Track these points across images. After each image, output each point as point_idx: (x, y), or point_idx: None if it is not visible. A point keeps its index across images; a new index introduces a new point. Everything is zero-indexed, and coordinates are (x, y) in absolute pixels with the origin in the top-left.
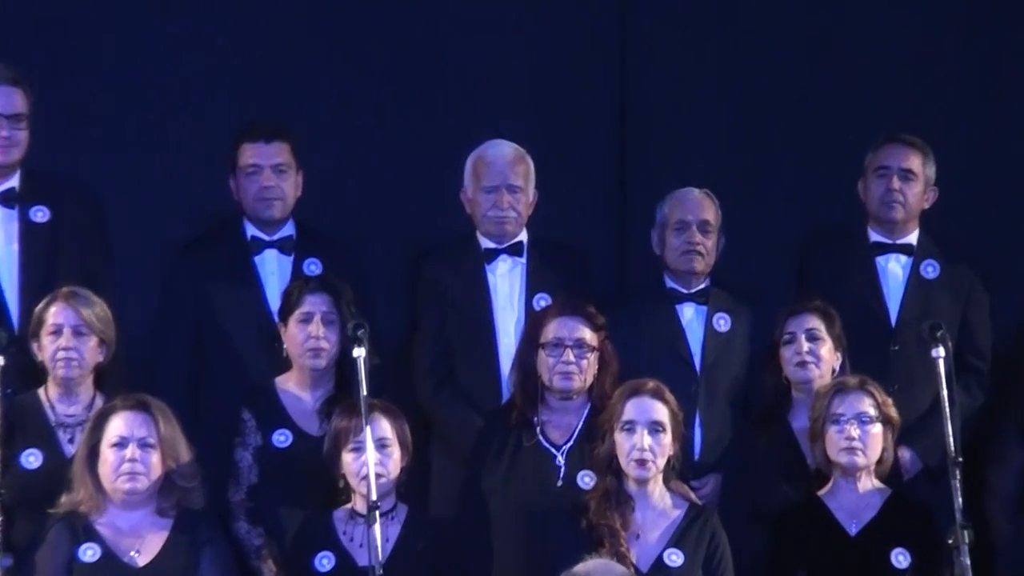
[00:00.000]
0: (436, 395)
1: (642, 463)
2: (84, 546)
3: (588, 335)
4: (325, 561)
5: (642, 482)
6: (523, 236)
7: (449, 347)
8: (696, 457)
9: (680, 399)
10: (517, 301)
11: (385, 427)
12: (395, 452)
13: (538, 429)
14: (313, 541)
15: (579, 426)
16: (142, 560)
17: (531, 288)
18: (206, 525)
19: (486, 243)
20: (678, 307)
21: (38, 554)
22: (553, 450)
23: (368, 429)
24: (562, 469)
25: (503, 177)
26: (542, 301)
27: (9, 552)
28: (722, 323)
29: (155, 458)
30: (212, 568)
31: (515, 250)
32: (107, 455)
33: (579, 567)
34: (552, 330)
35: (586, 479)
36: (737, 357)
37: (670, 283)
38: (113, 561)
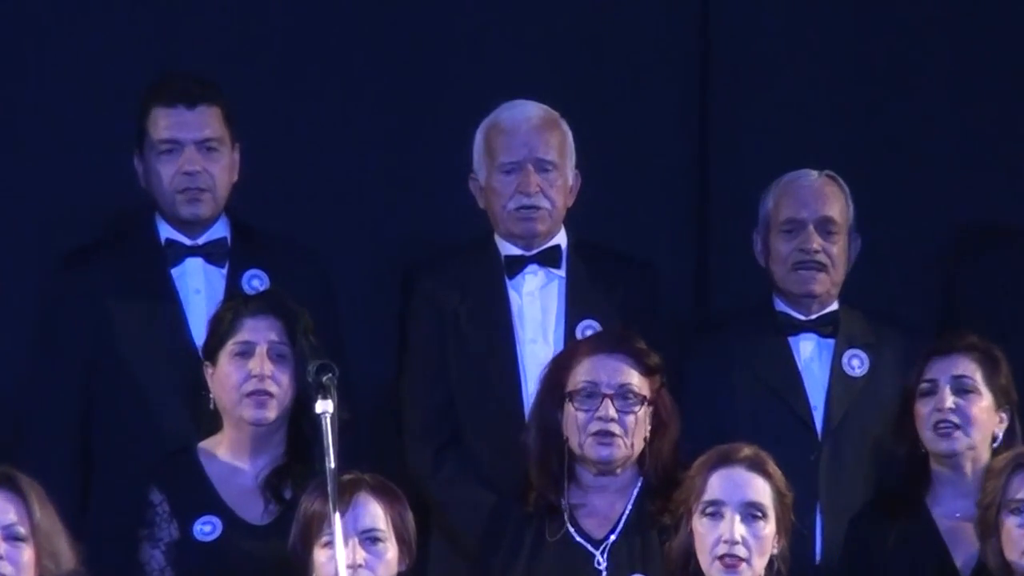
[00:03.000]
0: (436, 469)
1: (732, 562)
2: None
3: (636, 380)
4: None
5: None
6: (561, 238)
7: (453, 398)
8: (817, 559)
9: (792, 474)
10: (553, 330)
11: (375, 514)
12: (389, 550)
13: (566, 517)
14: None
15: (627, 512)
16: None
17: (573, 312)
18: None
19: (508, 248)
20: (792, 340)
21: None
22: (590, 547)
23: (336, 517)
24: (604, 574)
25: (528, 149)
26: (589, 331)
27: None
28: (856, 364)
29: (26, 556)
30: None
31: (549, 258)
32: None
33: None
34: (583, 373)
35: None
36: (879, 414)
37: (781, 306)
38: None
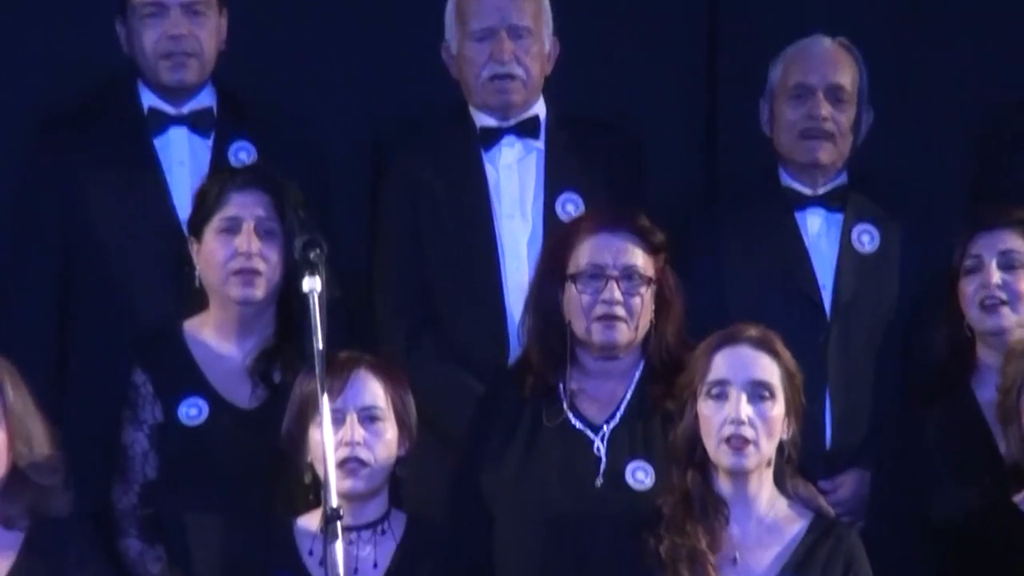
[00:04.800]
0: (410, 348)
1: (739, 444)
2: None
3: (641, 260)
4: None
5: (740, 475)
6: (539, 108)
7: (428, 277)
8: (827, 444)
9: (800, 356)
10: (531, 205)
11: (374, 392)
12: (388, 430)
13: (566, 402)
14: (263, 564)
15: (627, 397)
16: None
17: (552, 185)
18: (75, 543)
19: (483, 119)
20: (799, 215)
21: None
22: (590, 433)
23: (324, 399)
24: (603, 461)
25: (500, 15)
26: (569, 205)
27: None
28: (866, 240)
29: None
30: None
31: (527, 129)
32: None
33: None
34: (586, 253)
35: (639, 474)
36: (889, 291)
37: (787, 180)
38: None
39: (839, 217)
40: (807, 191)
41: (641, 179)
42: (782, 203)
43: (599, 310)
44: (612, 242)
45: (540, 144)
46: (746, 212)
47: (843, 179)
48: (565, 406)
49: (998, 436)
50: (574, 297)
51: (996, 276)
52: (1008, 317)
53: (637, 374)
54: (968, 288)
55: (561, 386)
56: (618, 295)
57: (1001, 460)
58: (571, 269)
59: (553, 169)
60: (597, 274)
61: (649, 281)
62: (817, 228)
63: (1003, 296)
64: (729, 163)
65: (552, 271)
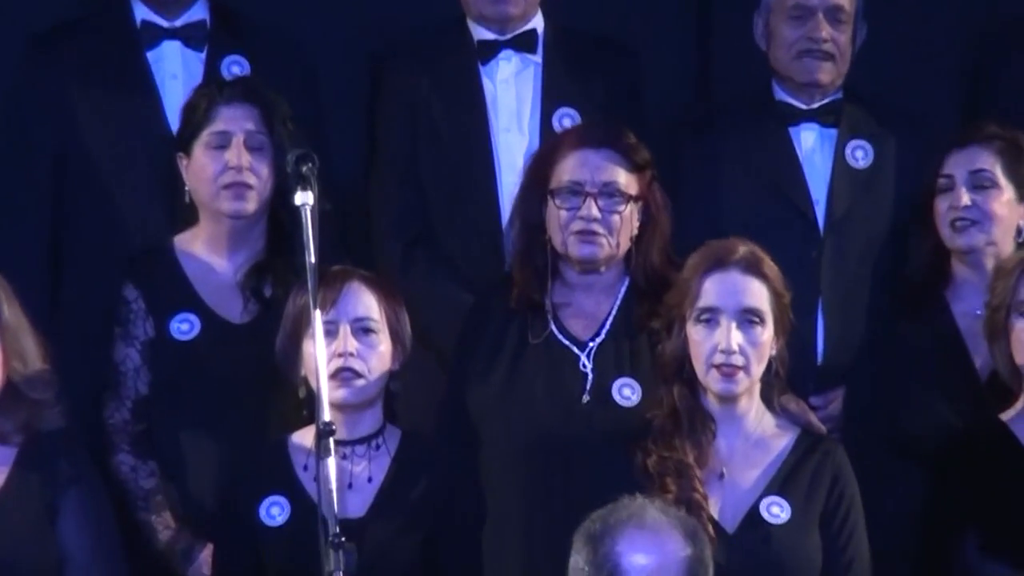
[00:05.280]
0: (406, 266)
1: (729, 371)
2: None
3: (622, 177)
4: (276, 510)
5: (728, 398)
6: (537, 22)
7: (425, 193)
8: (819, 360)
9: (793, 271)
10: (528, 119)
11: (368, 304)
12: (382, 343)
13: (550, 318)
14: (257, 481)
15: (612, 312)
16: None
17: (549, 100)
18: (68, 456)
19: (481, 33)
20: (793, 131)
21: None
22: (575, 349)
23: (317, 314)
24: (589, 377)
25: None
26: (566, 120)
27: None
28: (860, 155)
29: None
30: (77, 520)
31: (524, 43)
32: None
33: (601, 513)
34: (567, 169)
35: (625, 391)
36: (883, 207)
37: (781, 95)
38: None
39: (833, 133)
40: (801, 106)
41: (639, 96)
42: (776, 118)
43: (576, 226)
44: (593, 159)
45: (538, 58)
46: (740, 127)
47: (838, 95)
48: (550, 321)
49: (973, 351)
50: (554, 212)
51: (966, 197)
52: (977, 236)
53: (622, 291)
54: (941, 207)
55: (545, 302)
56: (595, 212)
57: (977, 375)
58: (552, 184)
59: (551, 84)
60: (576, 190)
61: (630, 199)
62: (811, 143)
63: (972, 216)
64: (723, 78)
65: (535, 185)
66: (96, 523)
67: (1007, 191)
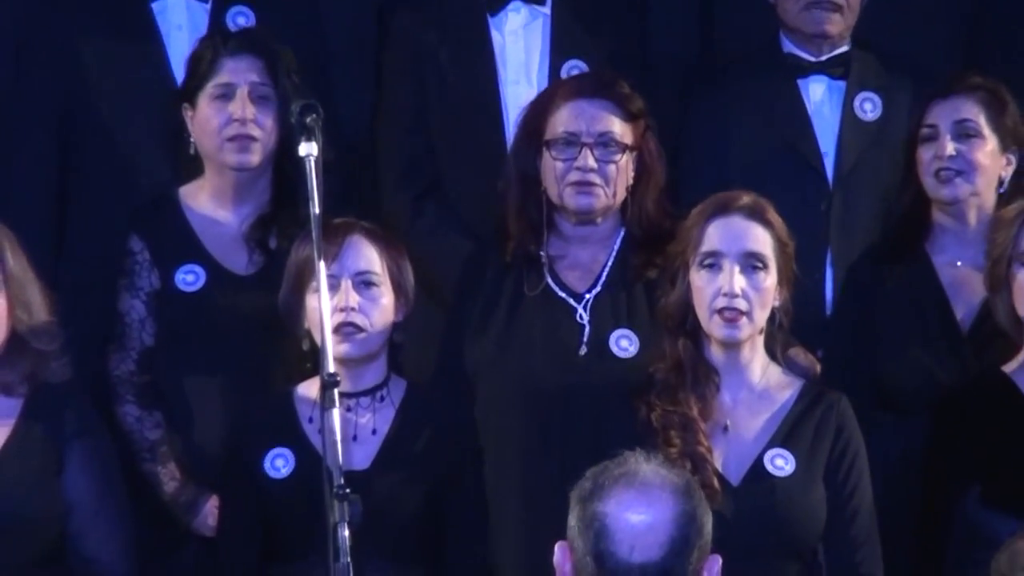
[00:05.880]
0: (414, 217)
1: (732, 316)
2: None
3: (618, 127)
4: (280, 462)
5: (732, 346)
6: None
7: (433, 144)
8: (828, 311)
9: (801, 223)
10: (536, 71)
11: (369, 257)
12: (384, 295)
13: (546, 270)
14: (262, 433)
15: (608, 264)
16: None
17: (558, 52)
18: (74, 408)
19: None
20: (801, 83)
21: None
22: (572, 301)
23: (321, 265)
24: (586, 329)
25: None
26: (575, 72)
27: None
28: (869, 107)
29: None
30: (83, 472)
31: None
32: None
33: (595, 471)
34: (562, 120)
35: (623, 343)
36: (892, 159)
37: (789, 47)
38: None
39: (842, 85)
40: (810, 58)
41: (646, 48)
42: (784, 71)
43: (572, 176)
44: (587, 109)
45: (546, 10)
46: (748, 80)
47: (846, 46)
48: (546, 273)
49: (954, 302)
50: (549, 163)
51: (950, 147)
52: (962, 187)
53: (617, 242)
54: (924, 156)
55: (541, 254)
56: (592, 162)
57: (958, 326)
58: (547, 135)
59: (559, 36)
60: (572, 141)
61: (625, 148)
62: (819, 96)
63: (957, 166)
64: (728, 28)
65: (530, 137)
66: (102, 474)
67: (990, 141)
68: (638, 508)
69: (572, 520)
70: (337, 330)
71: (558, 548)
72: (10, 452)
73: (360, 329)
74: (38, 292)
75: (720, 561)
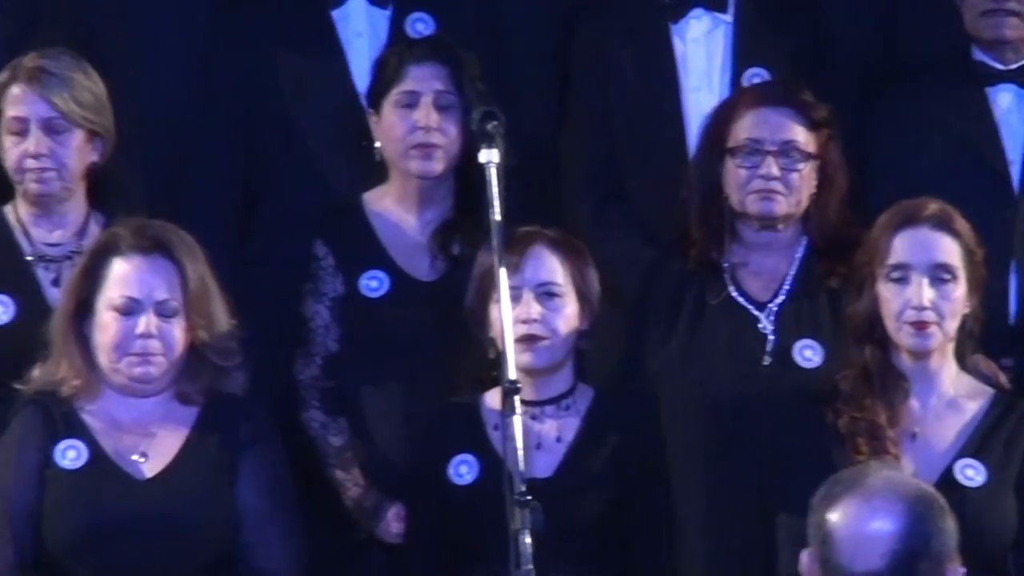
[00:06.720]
0: (596, 222)
1: (921, 327)
2: (64, 444)
3: (801, 136)
4: (464, 469)
5: (921, 355)
6: None
7: (616, 149)
8: (1011, 319)
9: (987, 232)
10: (718, 78)
11: (552, 267)
12: (567, 305)
13: (728, 278)
14: (446, 440)
15: (792, 272)
16: (150, 468)
17: (740, 59)
18: (249, 418)
19: None
20: (990, 92)
21: None
22: (754, 310)
23: (503, 273)
24: (770, 339)
25: None
26: (756, 80)
27: None
28: None
29: (177, 331)
30: (256, 483)
31: (715, 2)
32: (107, 321)
33: (835, 477)
34: (745, 127)
35: (807, 352)
36: None
37: (979, 55)
38: (106, 468)
39: None
40: (999, 67)
41: (832, 55)
42: (973, 79)
43: (756, 185)
44: (771, 117)
45: (728, 18)
46: (935, 86)
47: None
48: (728, 281)
49: None
50: (732, 171)
51: None
52: None
53: (800, 251)
54: None
55: (724, 263)
56: (775, 170)
57: None
58: (730, 143)
59: (741, 43)
60: (755, 149)
61: (808, 156)
62: (1007, 104)
63: None
64: (911, 33)
65: (713, 144)
66: (274, 486)
67: None
68: (862, 517)
69: (809, 527)
70: (519, 341)
71: (803, 554)
72: (183, 460)
73: (542, 340)
74: (220, 305)
75: (962, 572)
